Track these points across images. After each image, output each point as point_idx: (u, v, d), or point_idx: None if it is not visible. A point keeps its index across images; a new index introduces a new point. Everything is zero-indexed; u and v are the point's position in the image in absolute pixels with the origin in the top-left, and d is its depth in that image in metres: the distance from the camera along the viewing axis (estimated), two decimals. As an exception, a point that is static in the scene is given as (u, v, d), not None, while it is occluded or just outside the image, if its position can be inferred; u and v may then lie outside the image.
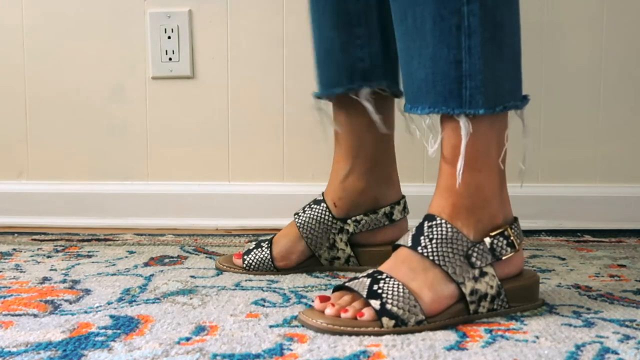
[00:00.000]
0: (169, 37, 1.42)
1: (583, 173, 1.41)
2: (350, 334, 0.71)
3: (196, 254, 1.15)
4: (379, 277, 0.76)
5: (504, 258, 0.79)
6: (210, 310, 0.80)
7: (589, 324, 0.75)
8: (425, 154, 1.41)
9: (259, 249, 1.01)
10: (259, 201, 1.42)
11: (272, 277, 0.98)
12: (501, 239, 0.79)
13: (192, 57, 1.43)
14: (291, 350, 0.67)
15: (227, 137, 1.44)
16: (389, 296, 0.73)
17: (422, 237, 0.78)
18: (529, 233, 1.36)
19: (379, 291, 0.74)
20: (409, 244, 0.78)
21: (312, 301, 0.84)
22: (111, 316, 0.78)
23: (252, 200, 1.42)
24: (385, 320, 0.72)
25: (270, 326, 0.74)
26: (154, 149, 1.46)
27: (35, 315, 0.79)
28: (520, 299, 0.81)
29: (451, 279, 0.76)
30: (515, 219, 0.83)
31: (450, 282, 0.76)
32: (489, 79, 0.77)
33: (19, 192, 1.47)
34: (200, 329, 0.73)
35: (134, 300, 0.85)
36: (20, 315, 0.79)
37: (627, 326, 0.75)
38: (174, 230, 1.40)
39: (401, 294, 0.73)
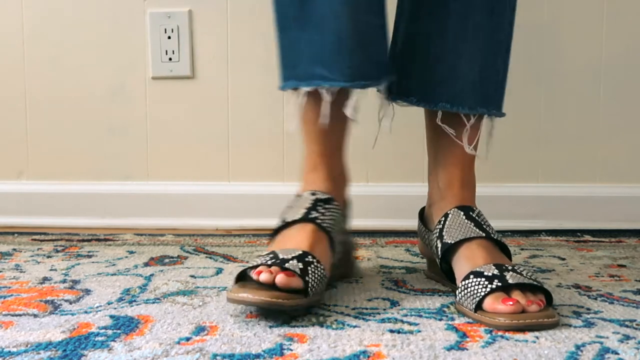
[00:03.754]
0: (169, 37, 1.42)
1: (583, 173, 1.41)
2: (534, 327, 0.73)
3: (196, 254, 1.15)
4: (515, 267, 0.81)
5: None
6: (211, 311, 0.80)
7: (589, 324, 0.75)
8: (426, 154, 1.41)
9: (312, 266, 0.78)
10: (259, 201, 1.42)
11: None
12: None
13: (192, 57, 1.43)
14: (291, 350, 0.67)
15: (227, 137, 1.44)
16: (534, 276, 0.80)
17: (485, 226, 0.86)
18: (529, 233, 1.36)
19: (534, 277, 0.80)
20: (483, 234, 0.85)
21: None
22: (111, 316, 0.78)
23: (252, 200, 1.42)
24: (551, 309, 0.77)
25: (270, 326, 0.74)
26: (154, 149, 1.46)
27: (35, 315, 0.79)
28: None
29: None
30: None
31: None
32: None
33: (19, 192, 1.47)
34: (200, 329, 0.73)
35: (134, 300, 0.85)
36: (20, 315, 0.79)
37: (627, 326, 0.74)
38: (174, 230, 1.40)
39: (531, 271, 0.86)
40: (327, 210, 0.87)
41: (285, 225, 0.86)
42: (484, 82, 0.87)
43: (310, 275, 0.77)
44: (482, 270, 0.79)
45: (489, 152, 0.92)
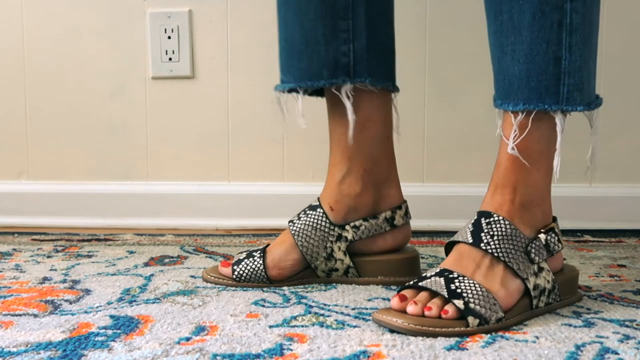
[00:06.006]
0: (169, 37, 1.42)
1: (583, 173, 1.41)
2: (437, 334, 0.71)
3: (196, 254, 1.15)
4: (451, 275, 0.76)
5: (555, 253, 0.82)
6: (210, 311, 0.80)
7: (589, 324, 0.75)
8: (426, 153, 1.41)
9: (251, 259, 0.94)
10: (259, 201, 1.42)
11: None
12: (553, 235, 0.82)
13: (192, 57, 1.43)
14: (291, 350, 0.67)
15: (227, 137, 1.44)
16: (471, 295, 0.73)
17: (482, 234, 0.79)
18: (529, 233, 1.36)
19: (459, 290, 0.74)
20: (470, 240, 0.79)
21: (312, 302, 0.84)
22: (111, 316, 0.78)
23: (252, 200, 1.42)
24: (470, 319, 0.72)
25: (270, 326, 0.74)
26: (154, 149, 1.46)
27: (35, 315, 0.79)
28: (566, 291, 0.83)
29: (517, 275, 0.78)
30: (554, 217, 0.86)
31: (516, 278, 0.78)
32: (585, 76, 0.80)
33: (19, 192, 1.47)
34: (200, 329, 0.73)
35: (134, 300, 0.85)
36: (20, 315, 0.79)
37: (627, 326, 0.75)
38: (174, 230, 1.40)
39: (481, 292, 0.74)
40: (306, 216, 0.95)
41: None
42: (534, 75, 0.78)
43: (241, 265, 0.93)
44: (427, 273, 0.78)
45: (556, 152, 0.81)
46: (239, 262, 0.94)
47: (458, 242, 0.81)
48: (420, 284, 0.76)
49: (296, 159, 1.43)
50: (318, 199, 0.96)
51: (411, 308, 0.73)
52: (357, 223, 0.94)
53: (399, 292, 0.76)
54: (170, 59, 1.43)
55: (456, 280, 0.75)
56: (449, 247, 0.83)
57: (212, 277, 0.95)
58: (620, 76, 1.39)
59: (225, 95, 1.44)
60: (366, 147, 0.95)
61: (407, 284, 0.78)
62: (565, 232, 1.36)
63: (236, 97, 1.44)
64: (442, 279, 0.75)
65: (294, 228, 0.94)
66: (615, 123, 1.40)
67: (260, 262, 0.93)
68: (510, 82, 0.80)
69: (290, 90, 0.95)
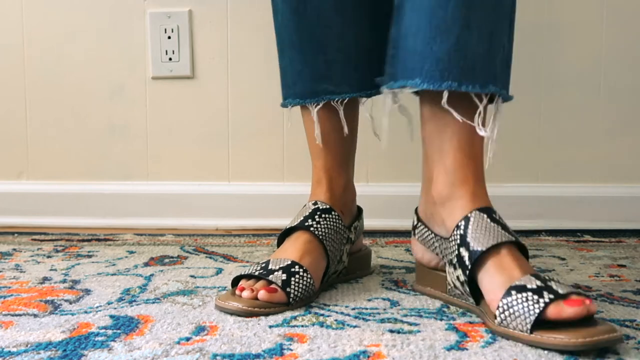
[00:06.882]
0: (169, 37, 1.42)
1: (583, 173, 1.41)
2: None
3: (196, 254, 1.15)
4: (548, 277, 0.71)
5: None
6: (211, 311, 0.80)
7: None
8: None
9: (296, 276, 0.82)
10: (259, 201, 1.42)
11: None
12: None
13: (192, 57, 1.43)
14: (291, 350, 0.67)
15: (227, 137, 1.44)
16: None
17: (508, 228, 0.77)
18: (529, 233, 1.36)
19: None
20: (513, 238, 0.75)
21: (312, 302, 0.84)
22: (111, 316, 0.78)
23: (252, 200, 1.42)
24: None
25: (270, 326, 0.74)
26: (154, 149, 1.46)
27: (35, 315, 0.79)
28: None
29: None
30: None
31: None
32: None
33: (19, 192, 1.47)
34: (200, 329, 0.73)
35: (134, 300, 0.85)
36: (20, 315, 0.79)
37: (627, 326, 0.74)
38: (174, 230, 1.40)
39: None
40: (324, 219, 0.90)
41: (285, 232, 0.91)
42: (493, 56, 0.74)
43: (293, 286, 0.81)
44: (523, 283, 0.69)
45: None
46: (286, 283, 0.81)
47: (501, 244, 0.75)
48: (563, 292, 0.68)
49: (296, 159, 1.43)
50: (320, 202, 0.92)
51: (582, 307, 0.66)
52: (355, 224, 0.96)
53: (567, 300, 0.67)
54: (170, 59, 1.43)
55: (559, 280, 0.73)
56: (483, 255, 0.75)
57: (263, 310, 0.78)
58: (620, 76, 1.39)
59: (225, 95, 1.44)
60: (353, 154, 0.98)
61: (551, 298, 0.68)
62: (565, 232, 1.36)
63: (236, 97, 1.44)
64: (559, 283, 0.70)
65: (320, 233, 0.88)
66: (616, 123, 1.40)
67: (309, 276, 0.83)
68: (474, 60, 0.74)
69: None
